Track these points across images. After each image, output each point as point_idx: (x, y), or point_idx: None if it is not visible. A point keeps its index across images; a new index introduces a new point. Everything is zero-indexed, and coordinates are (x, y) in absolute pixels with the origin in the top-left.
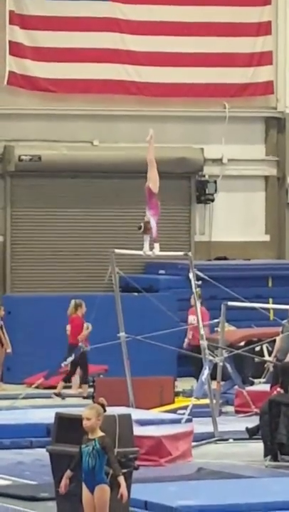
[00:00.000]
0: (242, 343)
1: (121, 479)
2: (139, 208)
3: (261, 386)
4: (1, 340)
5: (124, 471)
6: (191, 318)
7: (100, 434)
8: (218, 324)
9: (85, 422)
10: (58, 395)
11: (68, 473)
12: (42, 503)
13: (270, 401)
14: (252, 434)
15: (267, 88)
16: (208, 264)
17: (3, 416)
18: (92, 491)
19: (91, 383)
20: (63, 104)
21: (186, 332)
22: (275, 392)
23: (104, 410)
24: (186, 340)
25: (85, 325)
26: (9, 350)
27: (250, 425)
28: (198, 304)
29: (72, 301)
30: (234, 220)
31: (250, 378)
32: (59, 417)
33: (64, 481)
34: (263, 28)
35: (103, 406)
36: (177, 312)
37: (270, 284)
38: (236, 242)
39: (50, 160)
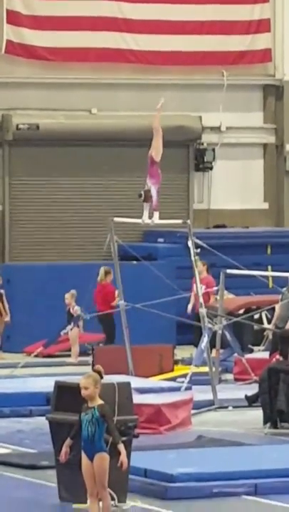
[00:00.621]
0: (241, 311)
1: (121, 447)
2: (137, 177)
3: (260, 354)
4: (1, 309)
5: (124, 439)
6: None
7: (100, 402)
8: (217, 292)
9: (83, 392)
10: None
11: (68, 441)
12: (42, 472)
13: (269, 368)
14: (251, 401)
15: (265, 56)
16: (207, 232)
17: (2, 385)
18: (91, 459)
19: (90, 351)
20: (61, 73)
21: (189, 298)
22: (274, 360)
23: (102, 377)
24: (189, 306)
25: (116, 292)
26: (7, 319)
27: (250, 393)
28: (197, 272)
29: (102, 268)
30: (233, 188)
31: (250, 346)
32: (58, 386)
33: (64, 450)
34: None
35: (100, 373)
36: (176, 280)
37: (268, 252)
38: (235, 210)
39: (48, 129)
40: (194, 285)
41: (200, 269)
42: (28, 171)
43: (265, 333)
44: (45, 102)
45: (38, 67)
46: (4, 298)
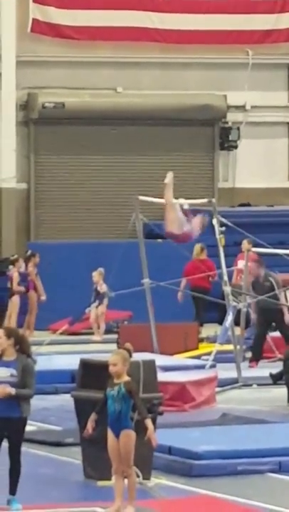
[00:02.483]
0: None
1: (148, 422)
2: (162, 155)
3: None
4: (36, 287)
5: (149, 416)
6: (240, 263)
7: (126, 378)
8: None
9: (111, 368)
10: None
11: (93, 416)
12: (67, 449)
13: None
14: (276, 379)
15: None
16: (232, 211)
17: None
18: (117, 436)
19: (115, 329)
20: (87, 52)
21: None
22: None
23: (131, 355)
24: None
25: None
26: (43, 297)
27: (274, 371)
28: (222, 250)
29: (198, 245)
30: (257, 166)
31: (274, 324)
32: (83, 363)
33: (90, 424)
34: None
35: (129, 351)
36: None
37: None
38: (259, 189)
39: (74, 107)
40: (238, 262)
41: (246, 247)
42: (53, 149)
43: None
44: (70, 80)
45: (63, 46)
46: (39, 277)
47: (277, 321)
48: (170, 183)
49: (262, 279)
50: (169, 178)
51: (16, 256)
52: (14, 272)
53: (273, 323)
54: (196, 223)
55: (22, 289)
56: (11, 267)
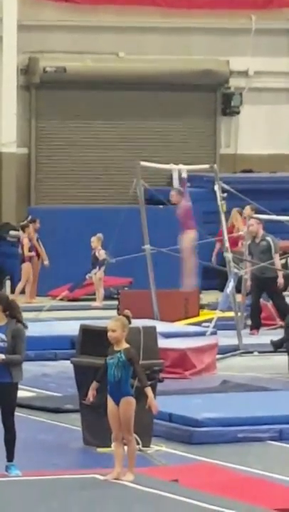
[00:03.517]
0: None
1: (148, 390)
2: (164, 120)
3: (287, 299)
4: (38, 252)
5: (149, 383)
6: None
7: (126, 345)
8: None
9: (110, 334)
10: None
11: (94, 384)
12: (66, 415)
13: None
14: (277, 346)
15: None
16: (234, 177)
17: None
18: (117, 403)
19: (115, 296)
20: (88, 16)
21: (214, 244)
22: None
23: (130, 322)
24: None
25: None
26: (47, 262)
27: (275, 338)
28: (223, 216)
29: (235, 210)
30: (260, 132)
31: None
32: (83, 329)
33: (91, 392)
34: None
35: (128, 318)
36: (202, 225)
37: None
38: (262, 155)
39: (75, 72)
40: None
41: (248, 212)
42: (54, 114)
43: None
44: (72, 45)
45: (65, 10)
46: (40, 242)
47: (269, 290)
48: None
49: (258, 239)
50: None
51: (25, 222)
52: (24, 238)
53: (264, 292)
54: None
55: (33, 254)
56: (20, 232)
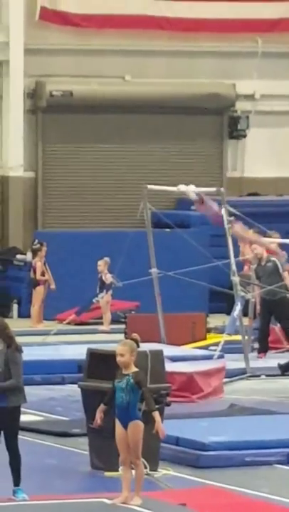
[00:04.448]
0: None
1: (156, 414)
2: (170, 144)
3: None
4: (46, 277)
5: (157, 407)
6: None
7: (134, 369)
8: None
9: (118, 358)
10: None
11: (102, 407)
12: (73, 439)
13: None
14: (284, 370)
15: None
16: (240, 200)
17: (34, 352)
18: (125, 426)
19: (122, 319)
20: (95, 40)
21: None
22: None
23: (138, 346)
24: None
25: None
26: (53, 286)
27: (282, 361)
28: (230, 240)
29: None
30: (266, 155)
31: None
32: (91, 353)
33: (99, 415)
34: None
35: (136, 342)
36: (209, 248)
37: None
38: (268, 178)
39: (82, 95)
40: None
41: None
42: (61, 137)
43: None
44: (78, 68)
45: (71, 34)
46: (47, 266)
47: (277, 313)
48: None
49: (264, 261)
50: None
51: (38, 245)
52: (37, 262)
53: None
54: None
55: (46, 278)
56: (26, 256)
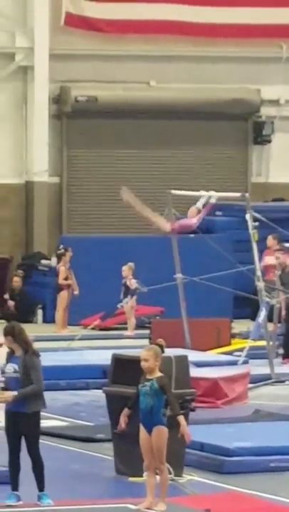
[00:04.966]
0: None
1: (181, 419)
2: (195, 149)
3: None
4: (70, 282)
5: (181, 412)
6: (267, 259)
7: (159, 374)
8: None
9: (143, 363)
10: None
11: (126, 411)
12: (98, 445)
13: None
14: None
15: None
16: (265, 206)
17: (59, 357)
18: (149, 432)
19: (147, 325)
20: (120, 45)
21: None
22: None
23: (163, 351)
24: None
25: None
26: (76, 292)
27: None
28: (255, 245)
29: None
30: None
31: None
32: (115, 358)
33: (122, 419)
34: None
35: (161, 347)
36: (233, 254)
37: None
38: None
39: (107, 101)
40: (266, 258)
41: (271, 242)
42: (85, 143)
43: None
44: (103, 74)
45: (96, 39)
46: (72, 271)
47: None
48: (128, 199)
49: (288, 268)
50: (125, 196)
51: (62, 250)
52: (61, 267)
53: None
54: (191, 214)
55: (69, 283)
56: (51, 261)
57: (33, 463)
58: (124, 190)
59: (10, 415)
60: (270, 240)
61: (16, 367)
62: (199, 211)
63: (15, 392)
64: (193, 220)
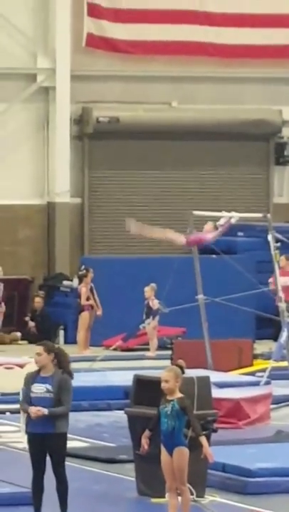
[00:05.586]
0: None
1: (203, 439)
2: (217, 170)
3: None
4: (92, 303)
5: (204, 433)
6: (285, 280)
7: (179, 395)
8: None
9: (163, 384)
10: None
11: (147, 432)
12: (120, 466)
13: None
14: None
15: None
16: (287, 226)
17: (81, 378)
18: (171, 453)
19: (169, 345)
20: (141, 66)
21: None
22: None
23: (183, 372)
24: None
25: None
26: (99, 312)
27: None
28: (277, 266)
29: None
30: None
31: None
32: (137, 379)
33: (144, 441)
34: None
35: (182, 368)
36: (256, 274)
37: None
38: None
39: (128, 121)
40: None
41: (284, 263)
42: (107, 164)
43: None
44: (125, 94)
45: (118, 60)
46: (95, 291)
47: None
48: (135, 229)
49: None
50: (133, 227)
51: (84, 271)
52: (82, 288)
53: None
54: (208, 229)
55: (91, 303)
56: (73, 282)
57: (59, 483)
58: (128, 221)
59: (36, 436)
60: (283, 261)
61: (50, 387)
62: (216, 228)
63: (45, 411)
64: (209, 235)
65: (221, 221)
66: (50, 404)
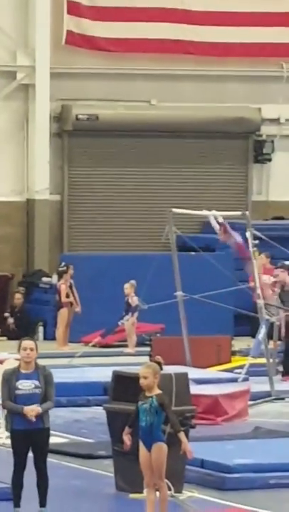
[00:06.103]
0: None
1: (182, 435)
2: (196, 167)
3: None
4: (72, 299)
5: (182, 429)
6: (265, 278)
7: (158, 391)
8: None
9: (141, 381)
10: None
11: (127, 429)
12: (98, 461)
13: None
14: None
15: None
16: (266, 224)
17: (60, 374)
18: (149, 448)
19: (148, 342)
20: (121, 64)
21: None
22: None
23: (161, 368)
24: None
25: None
26: (78, 309)
27: None
28: (255, 263)
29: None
30: None
31: None
32: (116, 376)
33: (126, 437)
34: None
35: (160, 364)
36: (234, 271)
37: None
38: None
39: (108, 119)
40: (263, 276)
41: (264, 261)
42: (86, 161)
43: None
44: (104, 92)
45: (98, 58)
46: (74, 288)
47: None
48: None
49: (287, 286)
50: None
51: (64, 267)
52: (62, 285)
53: None
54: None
55: (70, 300)
56: (52, 279)
57: (40, 478)
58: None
59: (26, 433)
60: (264, 259)
61: (37, 383)
62: (224, 228)
63: (39, 409)
64: (237, 240)
65: (216, 228)
66: (38, 400)
